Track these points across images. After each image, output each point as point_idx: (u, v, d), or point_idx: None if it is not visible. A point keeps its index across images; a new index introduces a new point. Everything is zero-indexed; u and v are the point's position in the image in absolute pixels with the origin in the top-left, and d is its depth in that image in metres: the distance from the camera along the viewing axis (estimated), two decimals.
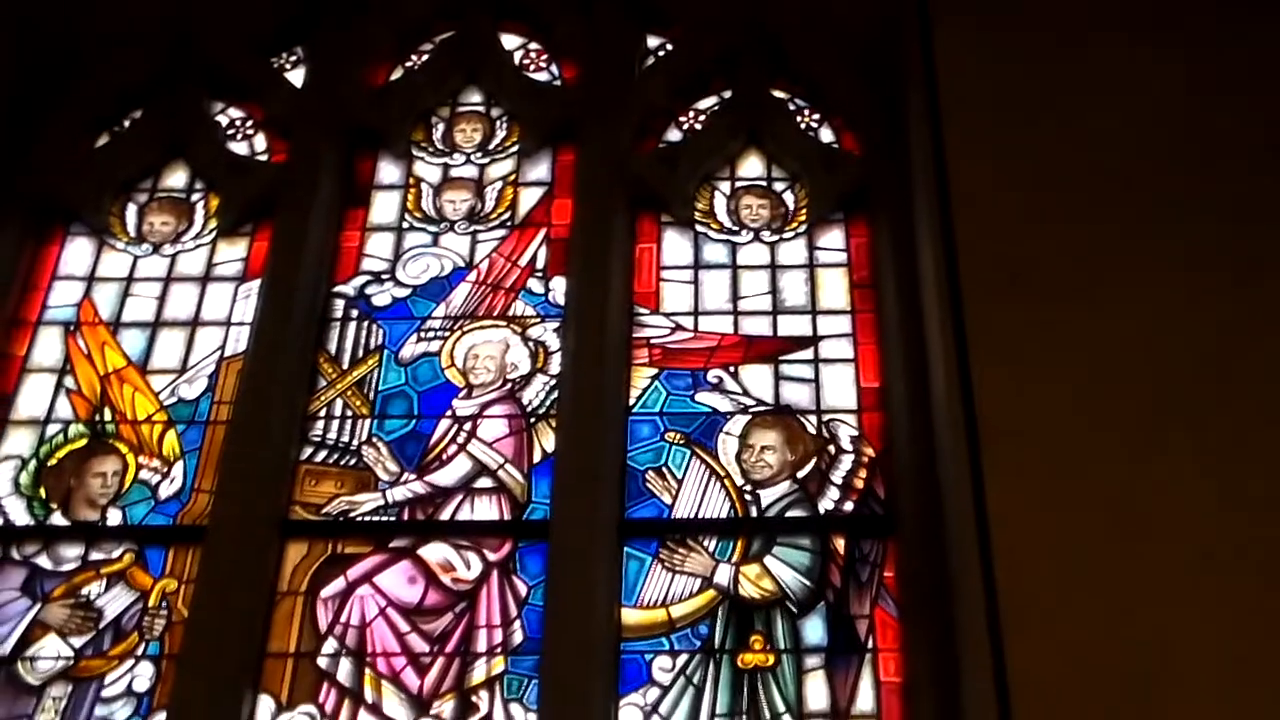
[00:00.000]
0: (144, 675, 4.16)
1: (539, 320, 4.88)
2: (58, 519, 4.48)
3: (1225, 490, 3.94)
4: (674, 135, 5.28)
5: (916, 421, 4.47)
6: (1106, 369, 4.14)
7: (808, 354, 4.78)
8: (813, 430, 4.60)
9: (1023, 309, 4.28)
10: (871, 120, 5.19)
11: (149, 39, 5.39)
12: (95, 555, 4.40)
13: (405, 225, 5.13)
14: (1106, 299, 4.26)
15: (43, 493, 4.53)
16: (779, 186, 5.19)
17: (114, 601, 4.31)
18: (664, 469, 4.53)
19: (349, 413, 4.69)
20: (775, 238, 5.05)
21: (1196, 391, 4.11)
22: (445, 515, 4.48)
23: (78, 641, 4.23)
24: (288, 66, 5.44)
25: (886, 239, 4.91)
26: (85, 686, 4.15)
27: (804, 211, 5.10)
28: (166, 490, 4.54)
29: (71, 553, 4.41)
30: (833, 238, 5.05)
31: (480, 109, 5.41)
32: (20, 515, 4.48)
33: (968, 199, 4.51)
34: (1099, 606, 3.78)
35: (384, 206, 5.18)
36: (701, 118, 5.30)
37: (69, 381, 4.77)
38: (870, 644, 4.16)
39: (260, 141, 5.33)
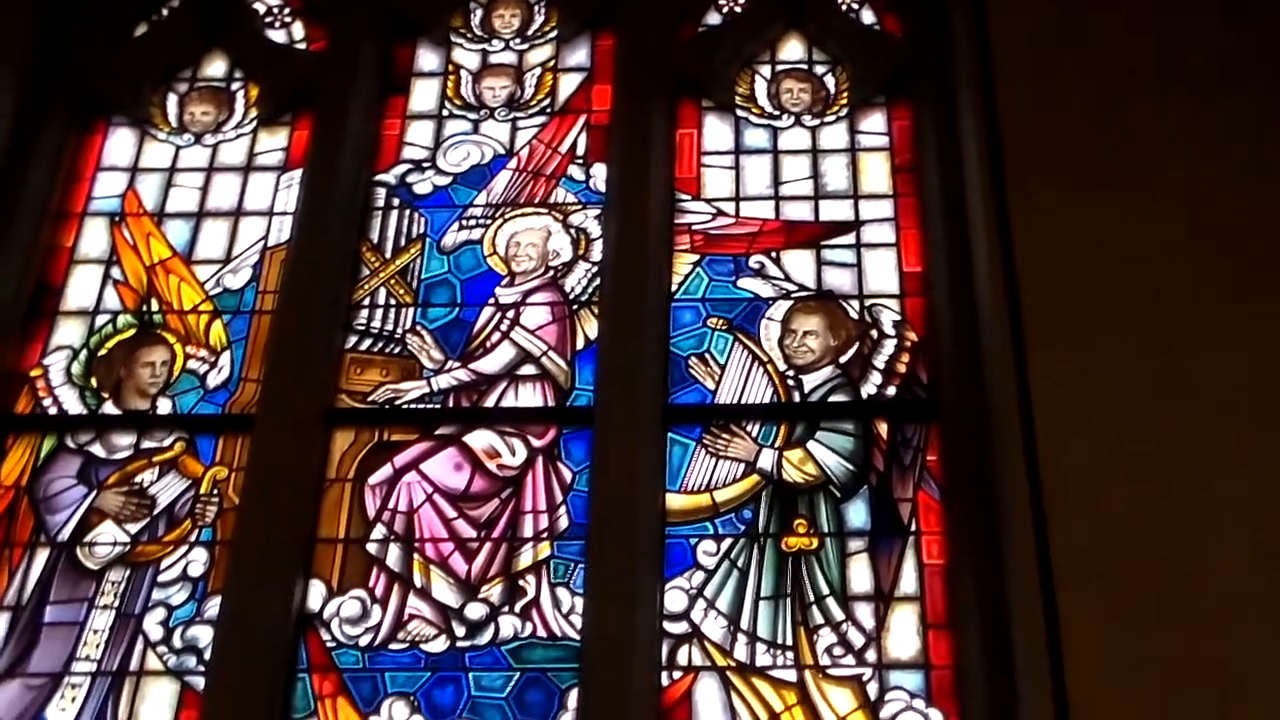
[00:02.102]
0: (198, 560, 4.24)
1: (580, 207, 4.87)
2: (109, 408, 4.54)
3: (1270, 366, 3.93)
4: (713, 19, 5.22)
5: (959, 305, 4.46)
6: (1150, 248, 4.13)
7: (850, 239, 4.76)
8: (855, 315, 4.60)
9: (1066, 190, 4.25)
10: (913, 2, 5.12)
11: None
12: (147, 444, 4.46)
13: (445, 113, 5.11)
14: (1150, 178, 4.23)
15: (94, 382, 4.58)
16: (820, 70, 5.14)
17: (166, 489, 4.38)
18: (707, 355, 4.54)
19: (392, 301, 4.72)
20: (816, 122, 5.01)
21: (1242, 269, 4.09)
22: (490, 402, 4.52)
23: (133, 528, 4.30)
24: None
25: (929, 122, 4.87)
26: (142, 571, 4.23)
27: (845, 95, 5.06)
28: (214, 379, 4.58)
29: (124, 441, 4.47)
30: (874, 121, 5.01)
31: None
32: (73, 404, 4.54)
33: (1010, 80, 4.47)
34: (1142, 485, 3.80)
35: (424, 94, 5.16)
36: (741, 1, 5.24)
37: (116, 273, 4.80)
38: (913, 527, 4.19)
39: (298, 29, 5.31)
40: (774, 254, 4.73)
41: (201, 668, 4.04)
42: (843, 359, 4.52)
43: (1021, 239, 4.21)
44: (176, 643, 4.10)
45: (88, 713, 4.01)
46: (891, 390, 4.46)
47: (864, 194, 4.84)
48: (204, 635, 4.09)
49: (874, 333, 4.56)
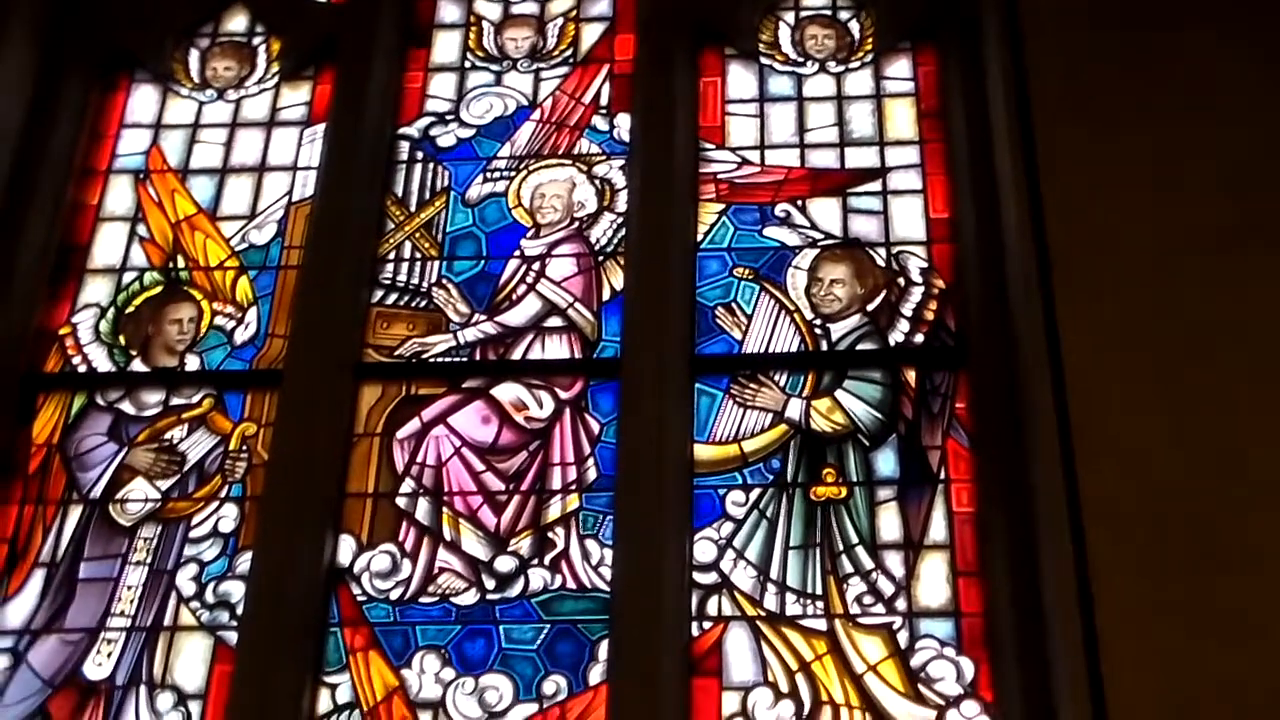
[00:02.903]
0: (229, 516, 4.26)
1: (604, 158, 4.85)
2: (138, 365, 4.56)
3: None
4: None
5: (987, 251, 4.43)
6: (1181, 190, 4.10)
7: (876, 186, 4.73)
8: (882, 263, 4.57)
9: (1094, 132, 4.22)
10: None
11: None
12: (176, 400, 4.48)
13: (468, 65, 5.09)
14: (1179, 119, 4.20)
15: (122, 340, 4.60)
16: (844, 15, 5.10)
17: (196, 445, 4.39)
18: (733, 304, 4.53)
19: (418, 255, 4.71)
20: (841, 68, 4.97)
21: (1274, 214, 4.05)
22: (516, 355, 4.52)
23: (164, 484, 4.33)
24: None
25: (955, 67, 4.82)
26: (174, 527, 4.25)
27: (870, 41, 5.01)
28: (242, 335, 4.59)
29: (153, 398, 4.49)
30: (900, 67, 4.96)
31: None
32: (102, 362, 4.56)
33: (1038, 23, 4.43)
34: (1171, 432, 3.79)
35: (446, 46, 5.14)
36: None
37: (142, 230, 4.81)
38: (942, 475, 4.18)
39: None
40: (800, 202, 4.71)
41: (234, 622, 4.07)
42: (870, 307, 4.50)
43: (1049, 184, 4.18)
44: (209, 598, 4.13)
45: (124, 667, 4.04)
46: (919, 338, 4.44)
47: (890, 140, 4.81)
48: (236, 590, 4.12)
49: (901, 280, 4.53)
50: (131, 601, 4.13)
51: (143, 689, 4.00)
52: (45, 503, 4.29)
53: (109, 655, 4.05)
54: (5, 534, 4.24)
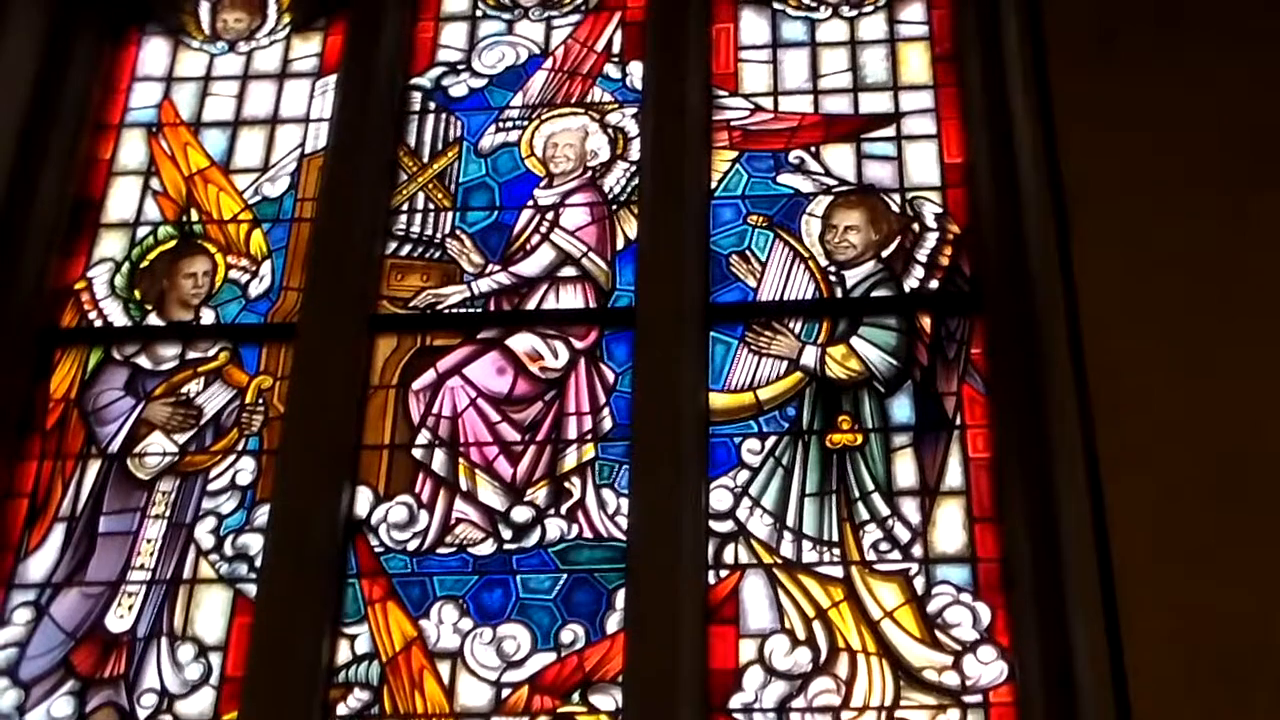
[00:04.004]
0: (246, 469, 4.28)
1: (617, 106, 4.83)
2: (153, 320, 4.57)
3: None
4: None
5: (1002, 196, 4.41)
6: (1197, 134, 4.07)
7: (890, 131, 4.70)
8: (896, 209, 4.55)
9: (1110, 75, 4.19)
10: None
11: None
12: (192, 354, 4.50)
13: (479, 13, 5.07)
14: (1196, 60, 4.16)
15: (137, 294, 4.61)
16: None
17: (213, 399, 4.41)
18: (748, 252, 4.51)
19: (431, 206, 4.70)
20: (854, 13, 4.93)
21: None
22: (531, 305, 4.52)
23: (181, 438, 4.35)
24: None
25: (969, 9, 4.78)
26: (192, 481, 4.27)
27: None
28: (256, 289, 4.60)
29: (169, 352, 4.51)
30: (913, 10, 4.92)
31: None
32: (118, 316, 4.58)
33: None
34: (1188, 374, 3.77)
35: None
36: None
37: (155, 183, 4.81)
38: (958, 421, 4.17)
39: None
40: (813, 149, 4.68)
41: (253, 575, 4.10)
42: (885, 253, 4.48)
43: (1065, 127, 4.16)
44: (228, 550, 4.15)
45: (145, 620, 4.07)
46: (934, 284, 4.42)
47: (904, 85, 4.78)
48: (254, 543, 4.14)
49: (916, 226, 4.51)
50: (151, 555, 4.16)
51: (164, 641, 4.04)
52: (64, 457, 4.32)
53: (130, 608, 4.08)
54: (25, 489, 4.28)
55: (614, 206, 4.65)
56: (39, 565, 4.17)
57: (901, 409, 4.22)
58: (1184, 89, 4.12)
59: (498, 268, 4.58)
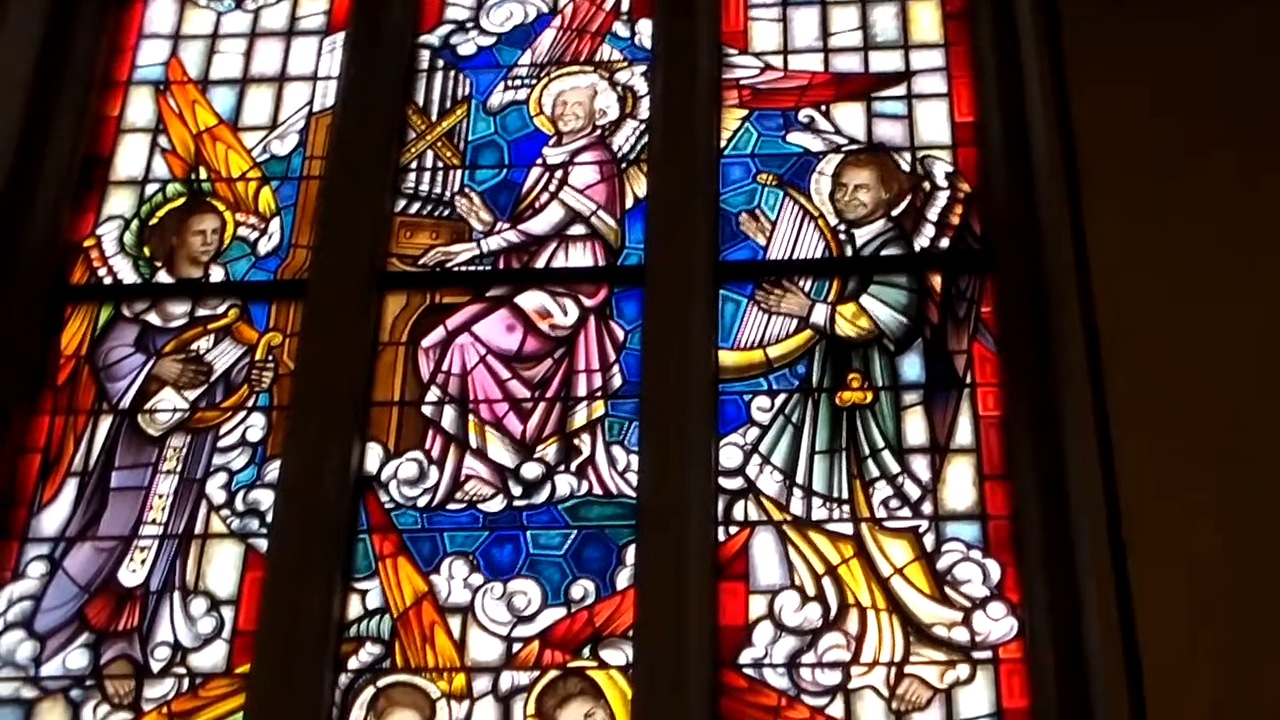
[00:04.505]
0: (257, 426, 4.29)
1: (626, 64, 4.82)
2: (163, 277, 4.57)
3: None
4: None
5: (1013, 155, 4.40)
6: (1212, 92, 4.05)
7: (900, 90, 4.69)
8: (907, 167, 4.55)
9: (1123, 32, 4.18)
10: None
11: None
12: (201, 311, 4.50)
13: None
14: (1213, 19, 4.14)
15: (147, 252, 4.61)
16: None
17: (222, 356, 4.41)
18: (757, 211, 4.51)
19: (440, 164, 4.70)
20: None
21: None
22: (540, 263, 4.52)
23: (192, 394, 4.36)
24: None
25: None
26: (202, 437, 4.28)
27: None
28: (265, 246, 4.60)
29: (178, 310, 4.51)
30: None
31: None
32: (128, 274, 4.57)
33: None
34: (1199, 333, 3.78)
35: None
36: None
37: (163, 141, 4.80)
38: (968, 379, 4.18)
39: None
40: (823, 107, 4.67)
41: (264, 530, 4.10)
42: (895, 212, 4.48)
43: (1077, 85, 4.15)
44: (239, 506, 4.16)
45: (157, 574, 4.09)
46: (945, 242, 4.42)
47: (914, 43, 4.76)
48: (265, 499, 4.15)
49: (926, 185, 4.51)
50: (163, 510, 4.17)
51: (176, 595, 4.05)
52: (75, 413, 4.33)
53: (142, 562, 4.10)
54: (38, 444, 4.28)
55: (623, 165, 4.64)
56: (52, 519, 4.19)
57: (912, 367, 4.23)
58: (1198, 46, 4.11)
59: (507, 226, 4.58)
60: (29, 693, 3.96)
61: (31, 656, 4.00)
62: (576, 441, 4.21)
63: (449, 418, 4.28)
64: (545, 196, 4.62)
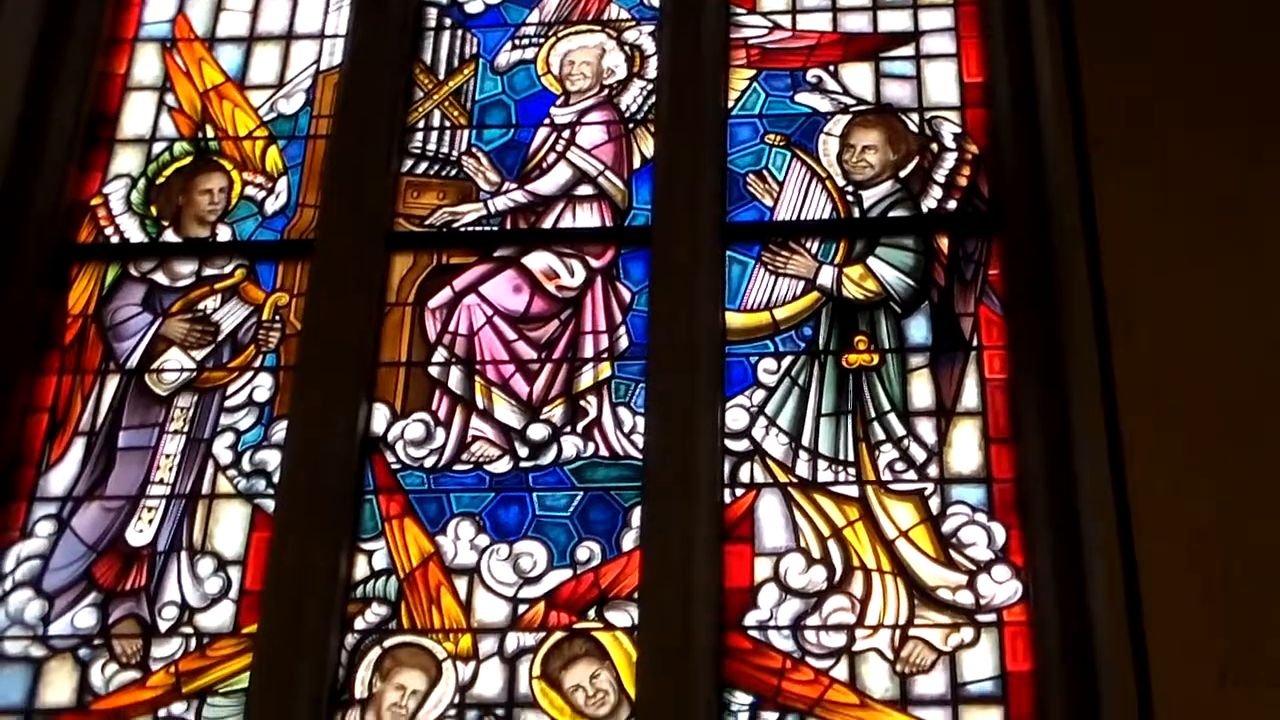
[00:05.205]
0: (264, 386, 4.29)
1: (634, 24, 4.79)
2: (170, 236, 4.57)
3: None
4: None
5: (1022, 116, 4.37)
6: (1224, 55, 4.02)
7: (909, 50, 4.66)
8: (915, 128, 4.52)
9: None
10: None
11: None
12: (208, 271, 4.50)
13: None
14: None
15: (153, 211, 4.60)
16: None
17: (229, 315, 4.42)
18: (764, 172, 4.49)
19: (447, 124, 4.68)
20: None
21: None
22: (547, 224, 4.51)
23: (199, 354, 4.36)
24: None
25: None
26: (210, 397, 4.29)
27: None
28: (272, 205, 4.59)
29: (185, 269, 4.51)
30: None
31: None
32: (134, 233, 4.57)
33: None
34: (1207, 297, 3.76)
35: None
36: None
37: (170, 99, 4.79)
38: (975, 342, 4.17)
39: None
40: (831, 67, 4.65)
41: (271, 491, 4.12)
42: (902, 173, 4.46)
43: (1087, 45, 4.11)
44: (246, 466, 4.17)
45: (164, 534, 4.10)
46: (952, 204, 4.40)
47: (923, 3, 4.71)
48: (272, 459, 4.16)
49: (934, 146, 4.49)
50: (170, 470, 4.19)
51: (183, 555, 4.06)
52: (83, 372, 4.33)
53: (150, 522, 4.12)
54: (45, 403, 4.29)
55: (631, 125, 4.62)
56: (60, 479, 4.20)
57: (918, 329, 4.22)
58: (1214, 8, 4.08)
59: (514, 186, 4.57)
60: (38, 651, 3.99)
61: (40, 615, 4.02)
62: (583, 403, 4.22)
63: (455, 379, 4.28)
64: (552, 157, 4.61)
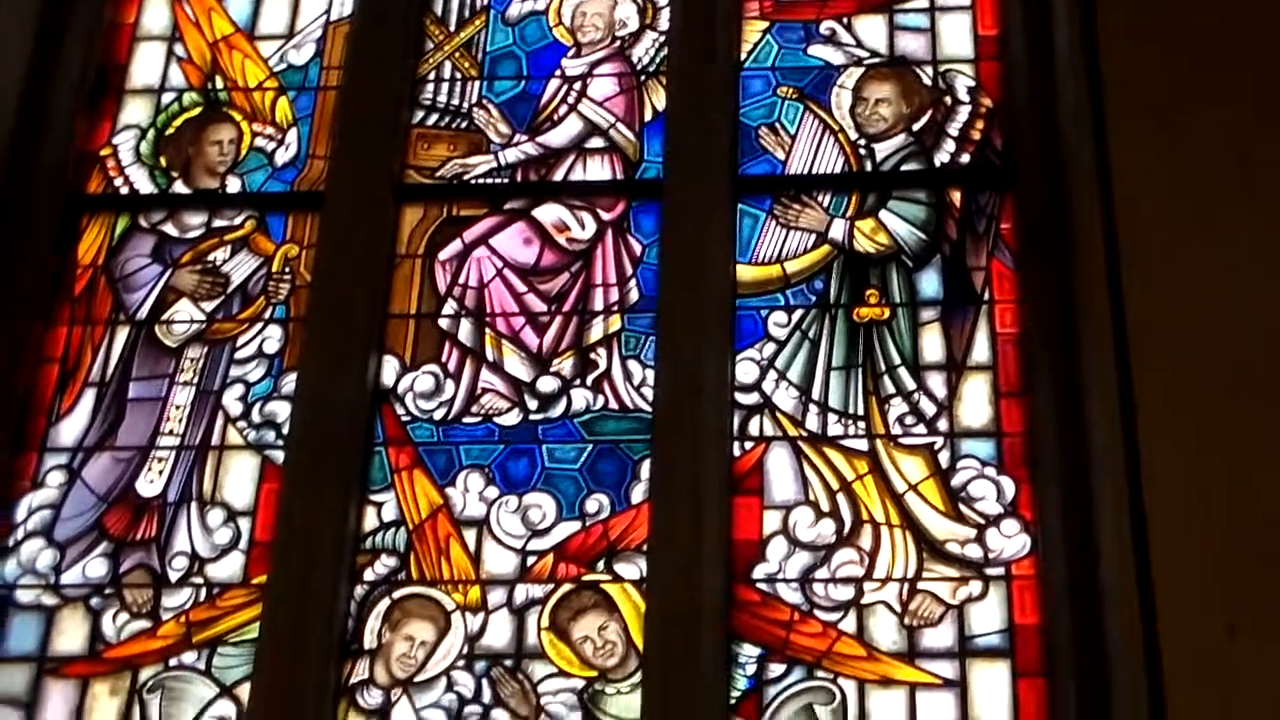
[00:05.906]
0: (273, 338, 4.29)
1: None
2: (179, 187, 4.56)
3: None
4: None
5: (1036, 70, 4.35)
6: (1239, 12, 3.98)
7: (923, 3, 4.62)
8: (928, 81, 4.49)
9: None
10: None
11: None
12: (218, 222, 4.49)
13: None
14: None
15: (163, 162, 4.59)
16: None
17: (239, 267, 4.41)
18: (777, 125, 4.47)
19: (458, 75, 4.66)
20: None
21: None
22: (558, 176, 4.49)
23: (208, 306, 4.36)
24: None
25: None
26: (219, 348, 4.29)
27: None
28: (282, 157, 4.58)
29: (195, 220, 4.50)
30: None
31: None
32: (144, 184, 4.56)
33: None
34: (1220, 254, 3.75)
35: None
36: None
37: (179, 49, 4.77)
38: (986, 296, 4.15)
39: None
40: (845, 20, 4.62)
41: (280, 442, 4.12)
42: (916, 126, 4.43)
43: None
44: (255, 418, 4.18)
45: (174, 484, 4.11)
46: (965, 158, 4.38)
47: None
48: (282, 411, 4.16)
49: (948, 99, 4.46)
50: (180, 421, 4.19)
51: (193, 505, 4.08)
52: (93, 323, 4.34)
53: (160, 473, 4.13)
54: (55, 354, 4.30)
55: (642, 77, 4.60)
56: (70, 429, 4.21)
57: (929, 283, 4.20)
58: None
59: (525, 138, 4.55)
60: (50, 600, 4.01)
61: (52, 564, 4.04)
62: (593, 355, 4.21)
63: (465, 331, 4.28)
64: (564, 109, 4.58)
